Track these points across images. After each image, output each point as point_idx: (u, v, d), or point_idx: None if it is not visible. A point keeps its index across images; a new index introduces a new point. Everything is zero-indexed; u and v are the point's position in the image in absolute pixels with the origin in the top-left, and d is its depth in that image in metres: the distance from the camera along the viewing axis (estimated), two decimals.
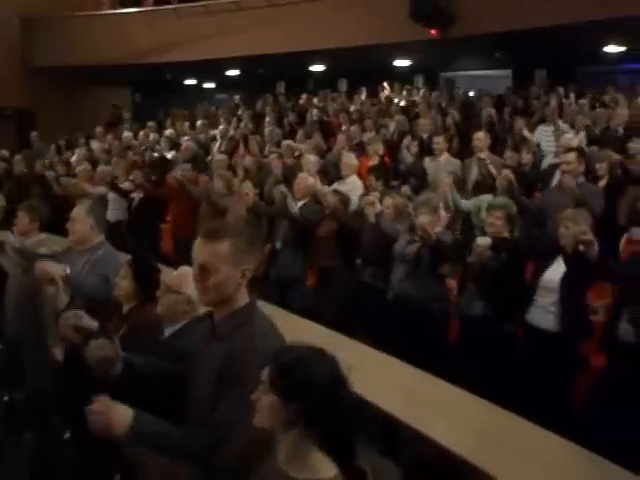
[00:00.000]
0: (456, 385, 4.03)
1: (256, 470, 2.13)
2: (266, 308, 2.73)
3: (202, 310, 2.95)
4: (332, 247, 6.53)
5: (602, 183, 6.82)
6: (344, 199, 6.74)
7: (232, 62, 15.80)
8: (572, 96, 11.57)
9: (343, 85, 16.57)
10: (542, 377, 4.63)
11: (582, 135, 8.75)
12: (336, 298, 6.29)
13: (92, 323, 2.91)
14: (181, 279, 3.44)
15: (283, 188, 6.96)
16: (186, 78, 19.83)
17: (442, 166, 7.84)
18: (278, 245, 6.99)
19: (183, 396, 2.55)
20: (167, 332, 3.44)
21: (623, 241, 6.11)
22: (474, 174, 7.63)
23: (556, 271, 4.81)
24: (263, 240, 6.60)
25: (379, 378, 4.07)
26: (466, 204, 6.79)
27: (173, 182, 8.34)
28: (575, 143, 7.57)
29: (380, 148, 9.00)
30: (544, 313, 4.82)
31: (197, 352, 2.58)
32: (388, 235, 5.97)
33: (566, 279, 4.73)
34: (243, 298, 2.47)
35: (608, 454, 3.26)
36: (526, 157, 7.48)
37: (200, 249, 2.43)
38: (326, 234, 6.60)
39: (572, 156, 6.27)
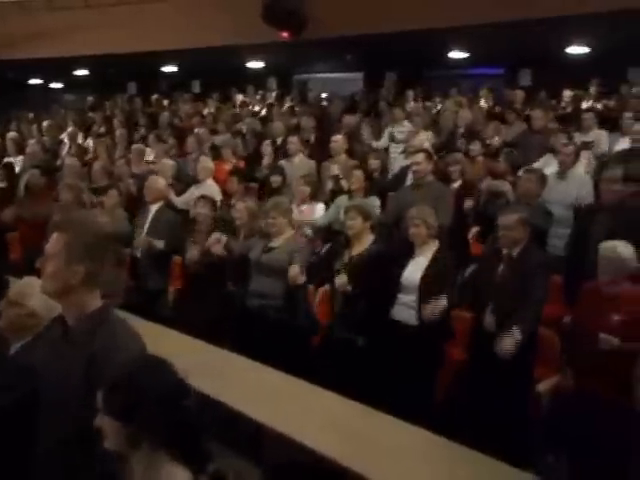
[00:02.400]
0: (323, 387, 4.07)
1: None
2: (132, 319, 2.69)
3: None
4: (205, 254, 6.31)
5: (455, 185, 7.06)
6: (213, 203, 6.52)
7: (80, 61, 15.21)
8: (420, 98, 12.01)
9: (196, 87, 16.37)
10: (406, 371, 4.73)
11: (429, 136, 9.04)
12: (204, 306, 6.09)
13: None
14: (24, 291, 3.17)
15: (144, 238, 6.62)
16: (31, 77, 18.89)
17: (297, 167, 7.89)
18: (139, 254, 6.70)
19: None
20: (13, 349, 3.14)
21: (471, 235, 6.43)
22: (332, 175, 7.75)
23: (414, 269, 4.97)
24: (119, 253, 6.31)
25: (244, 384, 4.04)
26: (325, 216, 6.84)
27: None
28: (425, 144, 7.82)
29: (237, 151, 8.98)
30: (407, 309, 4.95)
31: (49, 359, 2.50)
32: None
33: (427, 277, 4.89)
34: (94, 301, 2.43)
35: (472, 443, 3.40)
36: (374, 162, 7.62)
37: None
38: (200, 241, 6.31)
39: (421, 156, 6.45)
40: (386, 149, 9.10)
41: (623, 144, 7.60)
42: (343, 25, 11.27)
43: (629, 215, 5.36)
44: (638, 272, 4.38)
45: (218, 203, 6.84)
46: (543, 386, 4.60)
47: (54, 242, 2.42)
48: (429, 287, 4.85)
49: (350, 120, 10.04)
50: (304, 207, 6.96)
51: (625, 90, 10.97)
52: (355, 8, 11.03)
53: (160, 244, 6.47)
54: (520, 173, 6.68)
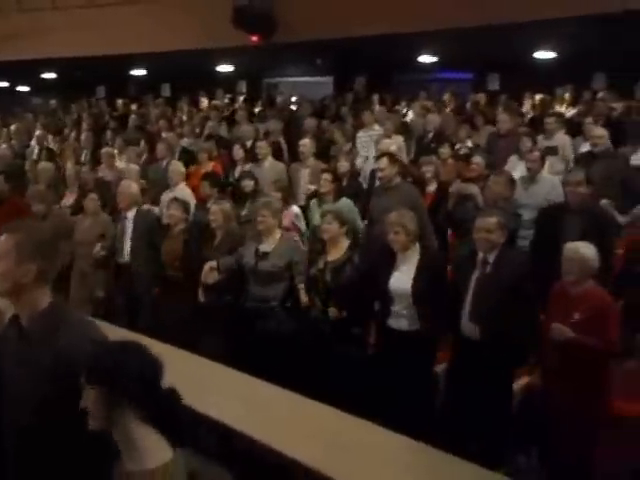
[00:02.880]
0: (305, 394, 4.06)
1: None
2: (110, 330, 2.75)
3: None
4: (179, 258, 6.24)
5: (431, 188, 7.10)
6: (185, 206, 6.49)
7: (48, 64, 15.03)
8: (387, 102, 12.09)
9: (166, 90, 16.30)
10: (401, 377, 4.69)
11: (399, 139, 9.09)
12: (181, 312, 6.01)
13: None
14: None
15: (101, 250, 6.60)
16: None
17: (266, 171, 7.89)
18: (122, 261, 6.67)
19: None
20: None
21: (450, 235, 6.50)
22: (304, 179, 7.75)
23: (402, 277, 4.86)
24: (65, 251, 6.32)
25: (216, 389, 4.03)
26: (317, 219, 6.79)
27: None
28: (393, 148, 7.87)
29: (212, 155, 8.97)
30: (399, 318, 4.86)
31: (8, 359, 2.54)
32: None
33: (416, 283, 4.79)
34: (44, 299, 2.49)
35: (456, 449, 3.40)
36: (343, 165, 7.64)
37: None
38: (172, 247, 6.31)
39: (384, 161, 6.49)
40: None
41: (585, 148, 7.71)
42: (313, 29, 11.31)
43: (592, 217, 5.49)
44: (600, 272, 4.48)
45: (192, 207, 6.82)
46: (517, 385, 4.66)
47: (3, 242, 2.47)
48: (422, 294, 4.76)
49: (312, 123, 10.06)
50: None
51: (588, 95, 11.16)
52: (325, 12, 11.08)
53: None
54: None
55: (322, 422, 3.76)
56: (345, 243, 5.33)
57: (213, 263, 5.83)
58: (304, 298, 5.40)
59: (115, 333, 2.61)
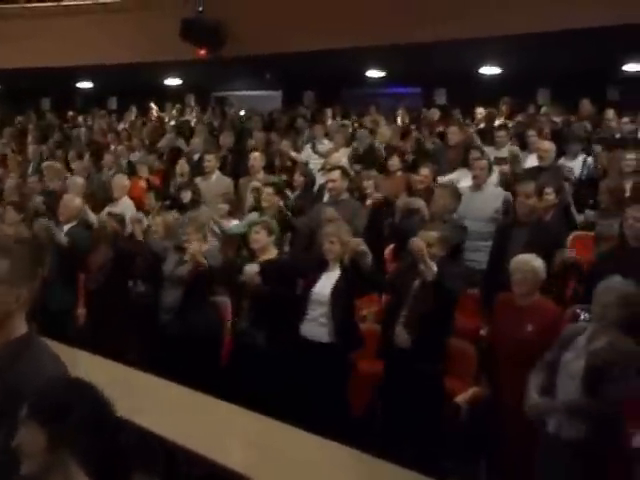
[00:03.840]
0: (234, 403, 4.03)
1: None
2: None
3: None
4: (106, 272, 6.23)
5: (369, 201, 7.10)
6: (119, 219, 6.48)
7: None
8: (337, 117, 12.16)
9: (113, 103, 16.13)
10: (318, 388, 4.73)
11: (347, 152, 9.14)
12: (109, 324, 6.00)
13: None
14: None
15: (45, 221, 6.48)
16: None
17: (213, 185, 7.84)
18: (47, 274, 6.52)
19: None
20: None
21: (387, 253, 6.49)
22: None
23: (325, 284, 4.95)
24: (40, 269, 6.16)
25: (153, 403, 3.96)
26: (237, 226, 6.81)
27: None
28: (342, 161, 7.90)
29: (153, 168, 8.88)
30: (316, 326, 4.92)
31: None
32: (158, 254, 5.96)
33: (336, 291, 4.87)
34: (20, 327, 2.30)
35: (389, 455, 3.42)
36: (298, 179, 7.63)
37: None
38: (100, 259, 6.27)
39: (336, 174, 6.52)
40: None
41: (532, 160, 7.84)
42: (262, 43, 11.32)
43: (541, 229, 5.58)
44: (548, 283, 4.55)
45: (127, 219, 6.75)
46: (462, 397, 4.68)
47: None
48: (338, 300, 4.85)
49: (261, 137, 10.04)
50: (223, 223, 6.93)
51: (532, 109, 11.40)
52: (274, 26, 11.10)
53: (63, 239, 6.32)
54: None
55: (251, 431, 3.75)
56: (273, 252, 5.45)
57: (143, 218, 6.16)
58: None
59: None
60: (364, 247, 4.79)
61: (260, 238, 5.40)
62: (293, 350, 5.01)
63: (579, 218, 6.48)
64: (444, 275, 4.49)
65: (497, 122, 10.55)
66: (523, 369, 4.12)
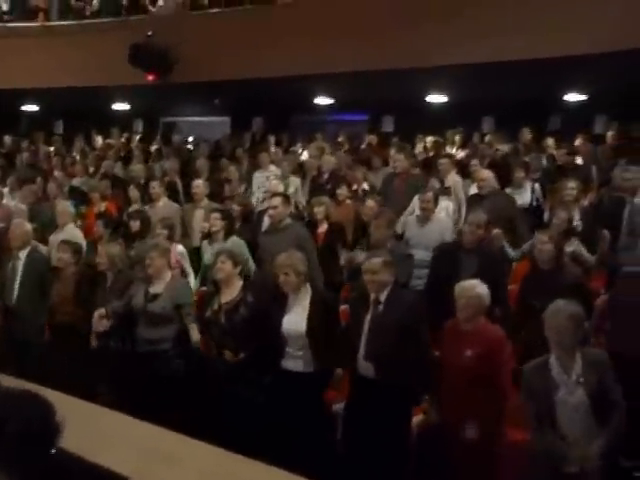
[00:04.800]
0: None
1: None
2: None
3: None
4: (70, 303, 6.07)
5: (322, 228, 7.16)
6: (76, 249, 6.34)
7: None
8: (283, 143, 12.24)
9: (59, 127, 15.93)
10: (294, 419, 4.69)
11: (296, 181, 9.18)
12: (74, 357, 5.82)
13: None
14: None
15: None
16: None
17: (160, 211, 7.79)
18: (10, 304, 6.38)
19: None
20: None
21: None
22: (197, 220, 7.67)
23: (295, 319, 4.88)
24: None
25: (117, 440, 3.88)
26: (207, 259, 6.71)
27: None
28: (281, 188, 7.94)
29: (105, 194, 8.80)
30: (293, 359, 4.88)
31: None
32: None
33: (312, 323, 4.82)
34: None
35: None
36: (236, 209, 7.62)
37: None
38: (64, 289, 6.12)
39: (277, 200, 6.56)
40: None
41: (474, 190, 7.98)
42: (210, 69, 11.33)
43: (485, 255, 5.70)
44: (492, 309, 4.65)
45: (83, 248, 6.66)
46: (415, 421, 4.72)
47: None
48: (316, 334, 4.79)
49: (204, 164, 10.01)
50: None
51: (477, 138, 11.63)
52: (222, 53, 11.13)
53: None
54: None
55: (216, 465, 3.68)
56: (238, 283, 5.34)
57: (102, 311, 5.74)
58: (195, 337, 5.40)
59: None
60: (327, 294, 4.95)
61: (225, 267, 5.28)
62: (273, 384, 4.98)
63: (514, 254, 6.57)
64: (395, 304, 4.57)
65: (444, 151, 10.69)
66: (467, 393, 4.18)
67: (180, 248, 6.89)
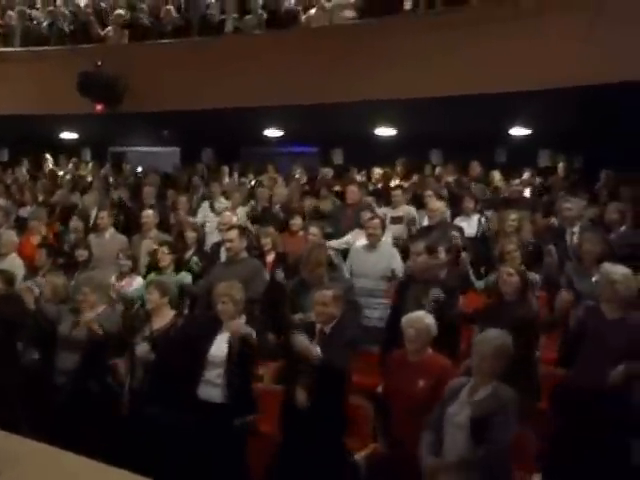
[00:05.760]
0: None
1: None
2: None
3: None
4: None
5: (269, 258, 7.12)
6: (8, 278, 6.19)
7: None
8: (235, 175, 12.23)
9: (4, 155, 15.67)
10: (215, 451, 4.66)
11: (242, 211, 9.16)
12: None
13: None
14: None
15: None
16: None
17: (107, 242, 7.71)
18: None
19: None
20: None
21: None
22: (145, 251, 7.56)
23: (220, 346, 4.91)
24: None
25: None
26: (138, 289, 6.64)
27: None
28: (234, 220, 7.91)
29: (42, 226, 8.64)
30: (212, 387, 4.87)
31: None
32: (52, 320, 5.79)
33: (231, 354, 4.84)
34: None
35: None
36: (190, 236, 7.55)
37: None
38: None
39: (234, 233, 6.52)
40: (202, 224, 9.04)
41: (427, 220, 8.10)
42: (160, 100, 11.30)
43: (435, 285, 5.73)
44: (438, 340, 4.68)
45: (19, 277, 6.55)
46: (360, 455, 4.69)
47: None
48: (233, 361, 4.84)
49: (152, 193, 9.93)
50: (124, 281, 6.84)
51: (428, 169, 11.83)
52: (172, 83, 11.12)
53: None
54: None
55: None
56: (169, 313, 5.44)
57: (35, 288, 6.00)
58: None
59: None
60: (245, 329, 4.88)
61: (153, 299, 5.39)
62: (189, 413, 4.89)
63: (479, 284, 6.62)
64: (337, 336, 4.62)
65: (393, 183, 10.85)
66: (417, 424, 4.19)
67: (139, 280, 6.83)
